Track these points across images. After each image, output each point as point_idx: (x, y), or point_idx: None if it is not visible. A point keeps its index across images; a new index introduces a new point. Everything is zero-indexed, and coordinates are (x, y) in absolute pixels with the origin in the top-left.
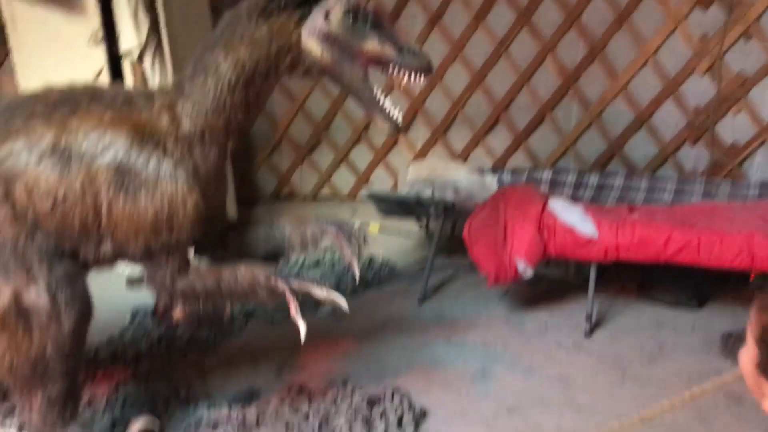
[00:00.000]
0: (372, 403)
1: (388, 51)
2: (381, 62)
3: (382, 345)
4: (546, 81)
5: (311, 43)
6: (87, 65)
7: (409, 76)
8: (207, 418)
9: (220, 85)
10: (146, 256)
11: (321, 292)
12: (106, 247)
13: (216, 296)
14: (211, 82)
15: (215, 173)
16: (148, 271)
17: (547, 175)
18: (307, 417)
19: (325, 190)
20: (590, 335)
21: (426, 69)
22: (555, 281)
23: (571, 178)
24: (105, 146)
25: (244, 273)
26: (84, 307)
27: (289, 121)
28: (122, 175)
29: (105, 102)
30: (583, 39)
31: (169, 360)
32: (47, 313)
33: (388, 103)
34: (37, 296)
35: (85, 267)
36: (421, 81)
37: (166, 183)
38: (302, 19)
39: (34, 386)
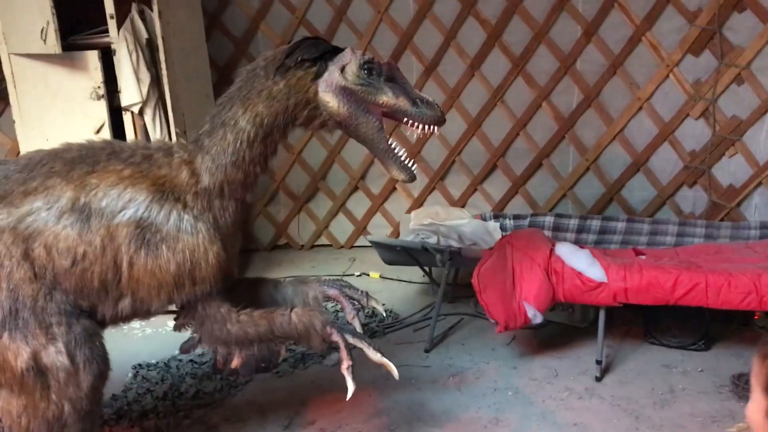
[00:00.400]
0: None
1: (403, 103)
2: (396, 114)
3: (392, 396)
4: (542, 127)
5: (328, 97)
6: (88, 120)
7: (423, 127)
8: None
9: (239, 140)
10: (166, 310)
11: (374, 355)
12: (125, 304)
13: (269, 340)
14: (230, 136)
15: (233, 227)
16: (198, 328)
17: (549, 220)
18: None
19: (323, 239)
20: (601, 379)
21: (439, 120)
22: (560, 325)
23: (573, 223)
24: (125, 203)
25: (300, 317)
26: (102, 366)
27: (286, 172)
28: (143, 230)
29: (124, 158)
30: (578, 86)
31: (175, 416)
32: (66, 373)
33: (403, 154)
34: (55, 356)
35: (101, 324)
36: (435, 131)
37: (188, 236)
38: (319, 74)
39: None
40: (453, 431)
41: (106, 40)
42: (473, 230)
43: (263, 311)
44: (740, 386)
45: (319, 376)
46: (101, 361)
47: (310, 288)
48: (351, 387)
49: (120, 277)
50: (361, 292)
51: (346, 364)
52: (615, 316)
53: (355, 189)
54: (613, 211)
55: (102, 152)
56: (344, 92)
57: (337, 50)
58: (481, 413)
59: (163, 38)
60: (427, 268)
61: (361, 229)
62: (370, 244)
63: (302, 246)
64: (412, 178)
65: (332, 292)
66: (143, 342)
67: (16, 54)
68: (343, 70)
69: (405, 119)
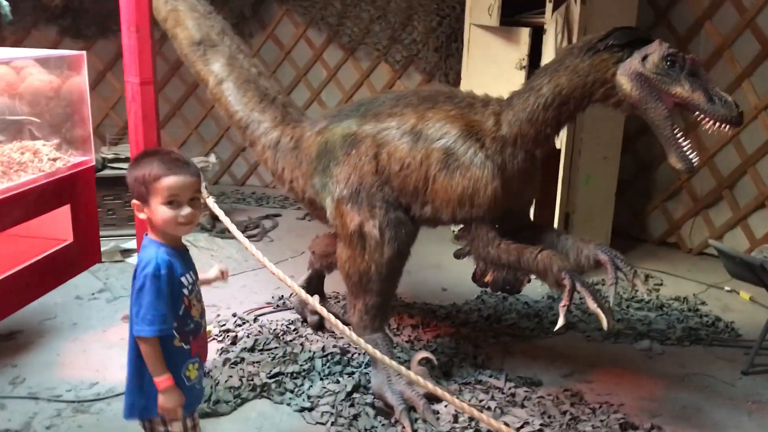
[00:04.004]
0: (626, 427)
1: (698, 98)
2: (689, 107)
3: (675, 391)
4: None
5: (623, 80)
6: (509, 86)
7: (715, 123)
8: (487, 382)
9: (537, 103)
10: (454, 223)
11: (592, 303)
12: (426, 209)
13: (515, 269)
14: (532, 99)
15: (520, 173)
16: (469, 243)
17: None
18: (563, 414)
19: (712, 249)
20: None
21: (733, 120)
22: None
23: None
24: (442, 134)
25: (543, 258)
26: (401, 247)
27: (694, 172)
28: (448, 157)
29: (454, 102)
30: None
31: (485, 333)
32: (375, 242)
33: (685, 144)
34: (372, 228)
35: (413, 221)
36: (728, 130)
37: (476, 169)
38: (622, 58)
39: (358, 293)
40: None
41: (540, 20)
42: None
43: (518, 245)
44: None
45: (621, 352)
46: (401, 243)
47: (586, 247)
48: (561, 322)
49: (426, 187)
50: (631, 268)
51: (564, 302)
52: None
53: (762, 205)
54: None
55: (442, 95)
56: (639, 78)
57: (647, 41)
58: None
59: (585, 27)
60: None
61: (757, 246)
62: None
63: (690, 250)
64: (690, 168)
65: (603, 257)
66: None
67: (474, 24)
68: (645, 58)
69: (698, 113)
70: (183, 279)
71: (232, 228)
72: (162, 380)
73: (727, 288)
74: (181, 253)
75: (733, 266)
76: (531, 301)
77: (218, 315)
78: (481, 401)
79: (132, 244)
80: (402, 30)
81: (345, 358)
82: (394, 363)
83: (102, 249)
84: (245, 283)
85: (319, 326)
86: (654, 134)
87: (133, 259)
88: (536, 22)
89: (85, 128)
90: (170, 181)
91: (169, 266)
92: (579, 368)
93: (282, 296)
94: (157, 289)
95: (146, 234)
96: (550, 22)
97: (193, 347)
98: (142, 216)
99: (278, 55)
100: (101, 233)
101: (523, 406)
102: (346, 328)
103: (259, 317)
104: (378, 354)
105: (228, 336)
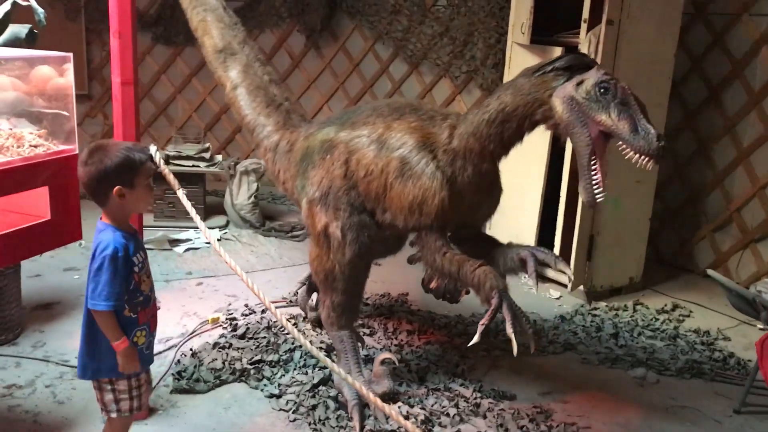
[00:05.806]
0: None
1: (622, 127)
2: (612, 134)
3: (652, 424)
4: None
5: (557, 102)
6: None
7: (636, 155)
8: (456, 390)
9: (482, 119)
10: (407, 231)
11: (509, 328)
12: (387, 215)
13: (453, 279)
14: (479, 114)
15: (471, 186)
16: (419, 250)
17: None
18: (520, 428)
19: (761, 285)
20: None
21: (650, 153)
22: None
23: None
24: (400, 144)
25: (478, 274)
26: (363, 249)
27: (744, 202)
28: (403, 166)
29: (418, 115)
30: None
31: (477, 346)
32: (337, 243)
33: (596, 177)
34: (335, 229)
35: (379, 226)
36: (647, 163)
37: (426, 179)
38: (561, 82)
39: (326, 291)
40: None
41: (575, 40)
42: None
43: (462, 256)
44: None
45: (613, 378)
46: (363, 246)
47: (511, 250)
48: (476, 338)
49: (385, 194)
50: (554, 256)
51: (484, 320)
52: None
53: None
54: None
55: (408, 107)
56: (570, 102)
57: (591, 67)
58: None
59: (616, 48)
60: None
61: None
62: None
63: (738, 283)
64: (591, 203)
65: (524, 253)
66: (527, 296)
67: (515, 42)
68: (580, 83)
69: (620, 142)
70: (134, 258)
71: (199, 222)
72: (119, 343)
73: (759, 326)
74: (131, 234)
75: (732, 297)
76: (540, 319)
77: (230, 304)
78: (443, 407)
79: (183, 234)
80: (464, 46)
81: (324, 353)
82: (333, 365)
83: (151, 237)
84: (270, 279)
85: (318, 322)
86: (704, 160)
87: (179, 249)
88: (571, 42)
89: (70, 122)
90: (150, 164)
91: (125, 249)
92: (560, 388)
93: (296, 293)
94: (114, 269)
95: (100, 220)
96: (584, 42)
97: (140, 317)
98: (120, 200)
99: (348, 66)
100: (162, 224)
101: (484, 417)
102: (293, 328)
103: (266, 310)
104: (314, 350)
105: (231, 324)
